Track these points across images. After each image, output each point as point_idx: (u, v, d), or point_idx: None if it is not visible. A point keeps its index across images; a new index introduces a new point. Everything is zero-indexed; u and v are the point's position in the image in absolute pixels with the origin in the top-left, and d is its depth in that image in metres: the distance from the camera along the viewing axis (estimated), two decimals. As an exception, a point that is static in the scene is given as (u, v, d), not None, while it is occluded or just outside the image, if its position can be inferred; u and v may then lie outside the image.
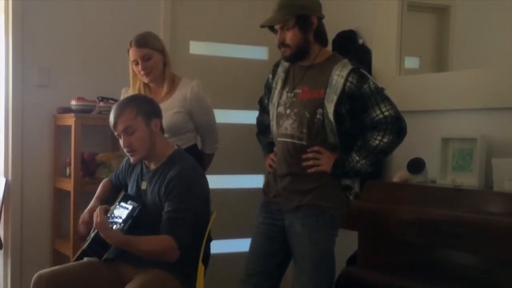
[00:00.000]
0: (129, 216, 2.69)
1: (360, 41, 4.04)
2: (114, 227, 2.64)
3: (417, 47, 3.96)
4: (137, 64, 3.24)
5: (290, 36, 2.77)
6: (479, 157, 3.18)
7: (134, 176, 2.91)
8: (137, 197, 2.84)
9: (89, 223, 2.80)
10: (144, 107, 2.77)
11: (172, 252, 2.63)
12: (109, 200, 2.97)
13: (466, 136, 3.29)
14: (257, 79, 3.79)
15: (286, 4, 2.75)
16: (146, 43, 3.22)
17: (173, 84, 3.32)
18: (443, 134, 3.39)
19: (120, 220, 2.68)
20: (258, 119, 3.20)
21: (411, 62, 3.97)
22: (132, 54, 3.24)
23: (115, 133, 2.80)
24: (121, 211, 2.73)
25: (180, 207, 2.66)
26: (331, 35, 3.98)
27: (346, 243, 3.43)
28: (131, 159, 2.83)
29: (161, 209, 2.71)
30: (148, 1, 4.19)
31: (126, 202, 2.78)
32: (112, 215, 2.71)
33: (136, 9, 4.15)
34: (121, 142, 2.79)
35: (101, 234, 2.61)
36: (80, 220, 2.88)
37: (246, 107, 4.36)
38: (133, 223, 2.69)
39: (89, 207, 2.91)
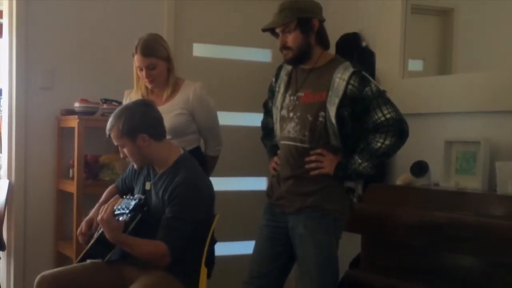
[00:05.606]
0: (136, 205, 2.67)
1: (364, 44, 4.04)
2: (121, 218, 2.63)
3: (421, 49, 3.96)
4: (141, 70, 3.22)
5: (291, 39, 2.78)
6: (483, 160, 3.18)
7: (141, 178, 2.92)
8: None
9: (86, 234, 2.83)
10: (128, 124, 2.71)
11: (164, 258, 2.65)
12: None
13: (470, 139, 3.29)
14: (260, 81, 3.78)
15: (287, 7, 2.77)
16: (152, 52, 3.17)
17: (176, 86, 3.31)
18: (446, 137, 3.39)
19: (127, 211, 2.67)
20: (262, 122, 3.21)
21: (415, 65, 3.96)
22: (137, 60, 3.21)
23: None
24: (127, 202, 2.72)
25: (180, 216, 2.67)
26: (335, 37, 4.01)
27: (350, 245, 3.43)
28: (134, 166, 2.87)
29: (163, 212, 2.72)
30: (151, 3, 4.19)
31: (132, 196, 2.78)
32: (119, 207, 2.69)
33: (140, 11, 4.15)
34: None
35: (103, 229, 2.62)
36: (78, 230, 2.88)
37: (250, 109, 4.35)
38: (140, 208, 2.70)
39: (88, 217, 2.90)
